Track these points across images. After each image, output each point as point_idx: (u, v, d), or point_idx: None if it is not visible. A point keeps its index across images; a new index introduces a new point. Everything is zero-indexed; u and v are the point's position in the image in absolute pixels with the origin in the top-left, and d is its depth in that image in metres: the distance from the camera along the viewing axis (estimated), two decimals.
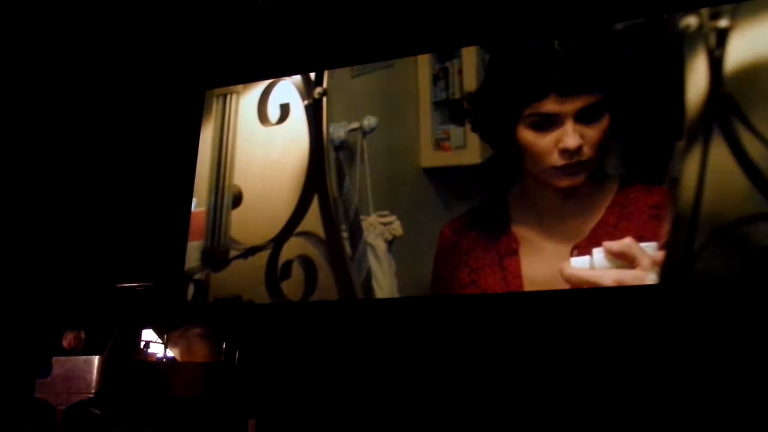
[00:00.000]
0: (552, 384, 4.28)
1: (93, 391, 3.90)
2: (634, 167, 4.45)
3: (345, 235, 5.04)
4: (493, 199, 4.73)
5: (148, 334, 4.84)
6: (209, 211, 5.52)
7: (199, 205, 5.58)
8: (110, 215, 5.64)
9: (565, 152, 4.42)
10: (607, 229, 4.35)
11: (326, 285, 4.99)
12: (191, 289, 5.39)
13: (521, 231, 4.61)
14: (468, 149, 4.84)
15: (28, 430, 4.28)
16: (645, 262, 4.20)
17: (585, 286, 4.31)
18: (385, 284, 4.81)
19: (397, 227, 4.88)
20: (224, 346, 4.73)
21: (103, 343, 4.19)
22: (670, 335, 4.16)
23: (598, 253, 4.32)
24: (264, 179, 5.41)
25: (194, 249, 5.46)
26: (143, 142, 5.75)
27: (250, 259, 5.25)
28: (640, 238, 4.23)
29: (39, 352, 4.23)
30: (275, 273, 5.16)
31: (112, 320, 4.44)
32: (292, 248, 5.15)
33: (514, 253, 4.56)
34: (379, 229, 4.91)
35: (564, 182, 4.47)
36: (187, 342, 4.84)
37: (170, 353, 4.70)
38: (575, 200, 4.49)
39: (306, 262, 5.09)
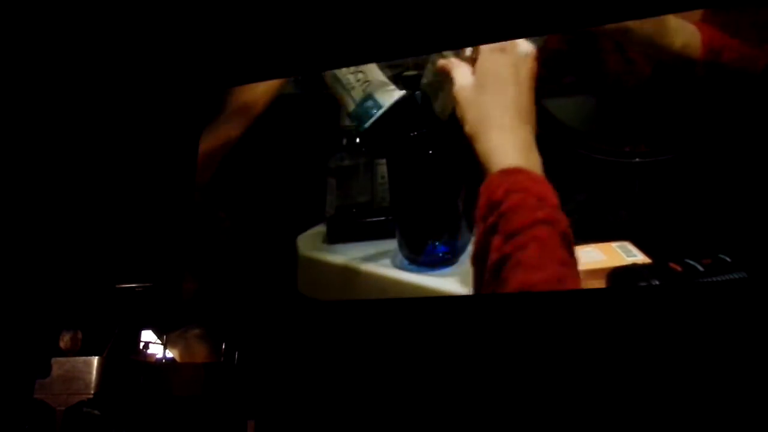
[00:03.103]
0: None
1: (92, 392, 3.90)
2: None
3: None
4: None
5: (147, 335, 4.82)
6: None
7: None
8: (110, 215, 5.61)
9: None
10: None
11: None
12: None
13: None
14: None
15: (27, 431, 4.29)
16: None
17: None
18: None
19: None
20: (224, 346, 4.70)
21: (103, 343, 4.18)
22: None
23: None
24: None
25: None
26: (143, 141, 5.71)
27: None
28: None
29: (38, 353, 4.24)
30: None
31: (112, 321, 4.44)
32: None
33: None
34: None
35: None
36: (186, 343, 4.82)
37: (169, 354, 4.69)
38: None
39: None
